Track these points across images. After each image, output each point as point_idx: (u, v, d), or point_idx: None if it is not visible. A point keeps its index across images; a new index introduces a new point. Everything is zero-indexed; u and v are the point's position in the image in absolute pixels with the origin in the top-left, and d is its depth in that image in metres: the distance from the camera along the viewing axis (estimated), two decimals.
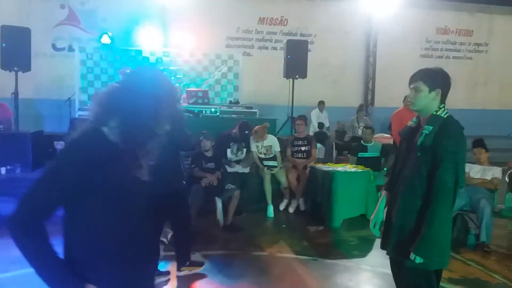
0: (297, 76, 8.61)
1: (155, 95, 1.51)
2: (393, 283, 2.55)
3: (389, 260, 2.53)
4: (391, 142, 6.97)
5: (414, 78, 2.29)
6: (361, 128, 8.41)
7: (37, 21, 10.22)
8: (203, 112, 7.22)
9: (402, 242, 2.25)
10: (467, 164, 5.25)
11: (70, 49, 10.60)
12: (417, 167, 2.21)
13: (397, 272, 2.47)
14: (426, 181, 2.20)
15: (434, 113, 2.24)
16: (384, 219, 2.48)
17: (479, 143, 5.22)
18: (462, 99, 13.51)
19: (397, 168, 2.45)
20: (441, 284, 3.77)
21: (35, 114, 10.25)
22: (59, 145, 6.93)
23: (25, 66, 7.48)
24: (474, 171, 5.09)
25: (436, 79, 2.26)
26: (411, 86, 2.30)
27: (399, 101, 6.86)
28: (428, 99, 2.24)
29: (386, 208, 2.51)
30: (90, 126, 1.50)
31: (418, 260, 2.18)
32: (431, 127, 2.19)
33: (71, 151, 1.47)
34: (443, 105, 2.26)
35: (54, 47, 11.02)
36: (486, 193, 4.84)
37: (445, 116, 2.23)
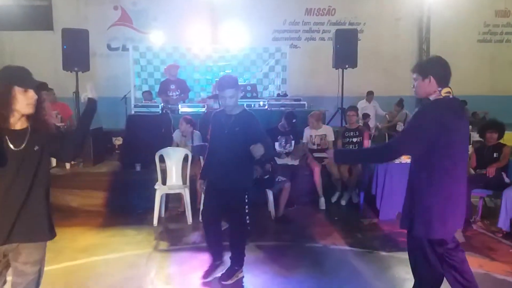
0: (347, 66, 8.45)
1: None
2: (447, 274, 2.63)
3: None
4: None
5: (412, 70, 2.57)
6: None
7: (93, 23, 10.73)
8: (252, 105, 7.28)
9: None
10: None
11: (124, 48, 11.04)
12: None
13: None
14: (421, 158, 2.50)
15: (430, 96, 2.50)
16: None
17: None
18: None
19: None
20: (506, 278, 3.62)
21: None
22: (117, 141, 7.28)
23: (85, 66, 7.89)
24: None
25: (427, 67, 2.50)
26: (413, 77, 2.57)
27: (456, 88, 6.52)
28: (424, 87, 2.49)
29: None
30: None
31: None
32: (416, 109, 2.54)
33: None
34: (440, 88, 2.45)
35: (109, 47, 11.54)
36: None
37: (432, 99, 2.47)
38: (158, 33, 9.70)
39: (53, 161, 6.70)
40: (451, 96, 2.68)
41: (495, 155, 5.17)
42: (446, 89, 2.48)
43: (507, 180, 5.09)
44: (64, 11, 11.05)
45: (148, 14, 11.33)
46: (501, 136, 5.30)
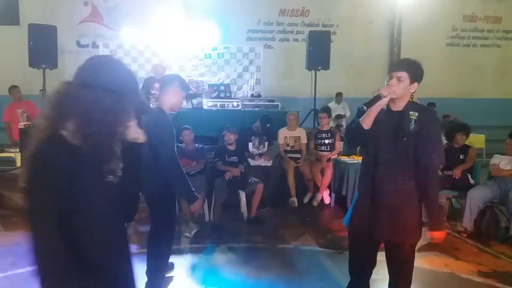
0: (319, 68, 8.53)
1: (112, 88, 1.34)
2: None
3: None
4: None
5: (398, 67, 2.38)
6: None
7: (62, 18, 10.41)
8: (225, 106, 7.25)
9: (399, 224, 2.40)
10: (496, 155, 5.12)
11: (94, 45, 10.77)
12: (404, 150, 2.35)
13: (389, 254, 2.58)
14: (414, 163, 2.37)
15: (411, 99, 2.45)
16: (359, 205, 2.58)
17: None
18: (490, 88, 13.15)
19: (371, 152, 2.48)
20: (470, 277, 3.73)
21: None
22: None
23: (52, 63, 7.66)
24: (503, 162, 4.94)
25: (418, 73, 2.38)
26: (393, 74, 2.35)
27: (425, 91, 6.69)
28: (407, 90, 2.37)
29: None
30: (47, 132, 1.31)
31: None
32: (416, 113, 2.34)
33: (40, 166, 1.28)
34: (412, 95, 2.47)
35: (78, 44, 11.22)
36: None
37: (419, 103, 2.52)
38: (129, 30, 9.51)
39: (18, 161, 6.49)
40: None
41: (461, 157, 5.32)
42: None
43: (472, 181, 5.25)
44: (31, 6, 10.67)
45: (120, 11, 11.09)
46: (467, 138, 5.46)
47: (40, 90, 7.81)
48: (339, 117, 9.57)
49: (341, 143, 6.52)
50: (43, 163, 1.27)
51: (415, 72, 2.37)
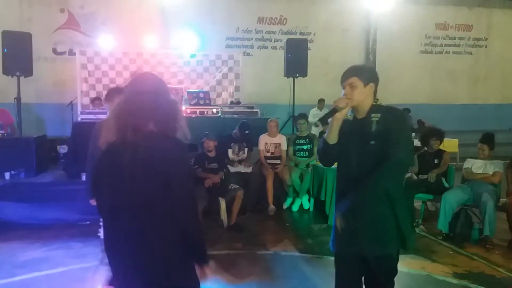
0: (297, 75, 8.64)
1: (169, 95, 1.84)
2: (398, 274, 2.46)
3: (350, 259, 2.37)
4: None
5: (347, 75, 2.31)
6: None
7: (37, 25, 10.28)
8: (205, 113, 7.25)
9: (380, 235, 2.25)
10: (469, 159, 5.28)
11: (71, 53, 10.63)
12: (374, 154, 2.21)
13: (364, 270, 2.38)
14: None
15: (374, 103, 2.31)
16: (340, 220, 2.33)
17: (484, 138, 5.21)
18: (463, 94, 13.57)
19: (343, 164, 2.38)
20: (446, 279, 3.82)
21: (37, 118, 10.30)
22: (62, 149, 6.98)
23: (27, 71, 7.52)
24: (476, 166, 5.10)
25: (369, 74, 2.31)
26: (345, 83, 2.30)
27: (400, 97, 6.89)
28: (364, 94, 2.28)
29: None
30: (148, 130, 1.70)
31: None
32: (379, 114, 2.24)
33: (184, 154, 1.76)
34: (377, 98, 2.35)
35: (54, 51, 11.07)
36: (488, 187, 4.85)
37: (385, 105, 2.34)
38: (106, 37, 9.43)
39: None
40: None
41: (436, 161, 5.46)
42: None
43: (446, 184, 5.39)
44: (5, 12, 10.46)
45: (97, 18, 10.99)
46: (441, 143, 5.61)
47: (15, 98, 7.65)
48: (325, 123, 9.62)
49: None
50: (184, 152, 1.76)
51: (365, 74, 2.30)
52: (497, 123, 12.06)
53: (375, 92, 2.32)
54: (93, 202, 3.60)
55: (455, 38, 13.71)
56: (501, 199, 4.99)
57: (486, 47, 13.93)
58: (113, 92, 3.52)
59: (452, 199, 4.90)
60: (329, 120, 2.28)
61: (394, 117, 2.24)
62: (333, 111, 2.25)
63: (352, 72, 2.31)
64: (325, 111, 10.35)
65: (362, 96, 2.27)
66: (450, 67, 13.47)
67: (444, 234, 4.90)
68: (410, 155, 2.29)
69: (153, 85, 1.77)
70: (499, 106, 13.59)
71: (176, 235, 1.68)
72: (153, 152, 1.63)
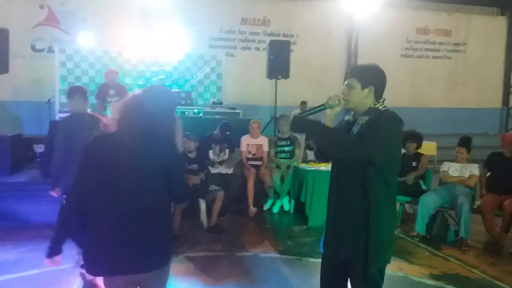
0: (280, 77, 8.66)
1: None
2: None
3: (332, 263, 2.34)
4: None
5: (348, 75, 2.26)
6: None
7: (15, 21, 10.03)
8: (186, 113, 7.21)
9: (361, 240, 2.17)
10: (446, 162, 5.37)
11: (50, 50, 10.43)
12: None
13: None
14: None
15: (372, 106, 2.22)
16: (326, 227, 2.34)
17: (462, 141, 5.30)
18: (442, 98, 13.83)
19: (333, 163, 2.36)
20: (422, 280, 3.88)
21: (13, 116, 10.06)
22: (39, 148, 6.83)
23: (3, 67, 7.32)
24: (452, 169, 5.19)
25: (369, 76, 2.22)
26: (345, 83, 2.25)
27: None
28: (361, 96, 2.21)
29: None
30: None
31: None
32: (367, 117, 2.17)
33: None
34: (381, 100, 2.23)
35: (33, 48, 10.84)
36: (464, 190, 4.95)
37: (382, 109, 2.21)
38: (87, 35, 9.27)
39: None
40: None
41: (414, 164, 5.54)
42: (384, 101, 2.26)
43: (424, 187, 5.48)
44: None
45: (77, 15, 10.81)
46: (419, 146, 5.69)
47: None
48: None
49: (301, 150, 6.62)
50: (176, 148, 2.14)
51: (365, 76, 2.21)
52: (474, 127, 12.33)
53: (378, 95, 2.22)
54: (54, 193, 3.64)
55: (435, 43, 13.96)
56: (476, 202, 5.10)
57: (464, 52, 14.23)
58: (74, 91, 3.84)
59: (430, 201, 4.97)
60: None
61: (378, 119, 2.13)
62: (320, 107, 2.22)
63: (352, 72, 2.27)
64: None
65: (358, 98, 2.21)
66: (430, 71, 13.72)
67: (421, 236, 4.97)
68: (379, 153, 2.05)
69: (166, 99, 2.16)
70: (476, 110, 13.89)
71: (169, 209, 2.25)
72: (153, 144, 1.99)
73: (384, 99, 2.24)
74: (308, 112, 2.27)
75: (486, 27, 14.27)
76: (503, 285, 3.82)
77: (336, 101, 2.20)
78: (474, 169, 5.10)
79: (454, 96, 14.08)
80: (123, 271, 1.98)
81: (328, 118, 2.23)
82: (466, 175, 5.06)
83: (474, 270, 4.16)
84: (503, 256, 4.55)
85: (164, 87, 2.20)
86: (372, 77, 2.22)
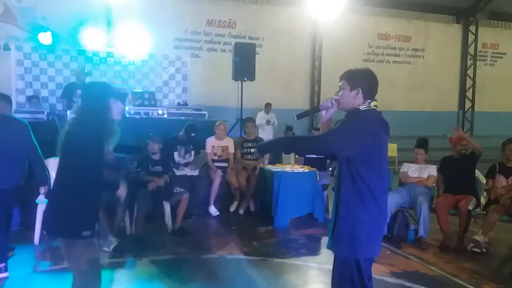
0: (245, 79, 8.67)
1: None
2: None
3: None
4: None
5: (341, 77, 2.39)
6: (313, 130, 8.64)
7: None
8: (150, 114, 7.07)
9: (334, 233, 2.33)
10: (405, 163, 5.55)
11: (6, 47, 9.96)
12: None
13: None
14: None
15: (358, 107, 2.31)
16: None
17: (419, 143, 5.49)
18: (401, 101, 14.29)
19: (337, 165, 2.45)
20: (383, 278, 3.98)
21: None
22: None
23: None
24: (411, 170, 5.37)
25: (358, 78, 2.33)
26: (339, 85, 2.39)
27: None
28: (350, 97, 2.32)
29: None
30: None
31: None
32: (345, 117, 2.33)
33: None
34: (369, 101, 2.31)
35: None
36: (423, 190, 5.13)
37: (363, 109, 2.30)
38: (46, 33, 8.92)
39: None
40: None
41: None
42: (374, 102, 2.35)
43: None
44: None
45: (36, 12, 10.39)
46: None
47: None
48: (289, 129, 9.65)
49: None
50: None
51: (354, 78, 2.33)
52: (432, 129, 12.80)
53: (366, 96, 2.31)
54: None
55: (395, 48, 14.43)
56: (434, 201, 5.29)
57: (423, 57, 14.80)
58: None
59: (390, 201, 5.09)
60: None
61: (348, 116, 2.31)
62: (314, 109, 2.39)
63: (344, 74, 2.38)
64: (271, 115, 10.49)
65: (348, 99, 2.32)
66: (390, 76, 14.14)
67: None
68: (339, 144, 2.16)
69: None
70: (434, 113, 14.47)
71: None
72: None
73: (375, 100, 2.34)
74: (304, 114, 2.42)
75: (443, 34, 14.91)
76: (460, 282, 3.97)
77: (328, 103, 2.37)
78: (432, 170, 5.29)
79: (413, 100, 14.60)
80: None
81: (326, 118, 2.41)
82: (425, 176, 5.25)
83: (432, 267, 4.31)
84: (459, 253, 4.73)
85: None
86: (360, 79, 2.33)
